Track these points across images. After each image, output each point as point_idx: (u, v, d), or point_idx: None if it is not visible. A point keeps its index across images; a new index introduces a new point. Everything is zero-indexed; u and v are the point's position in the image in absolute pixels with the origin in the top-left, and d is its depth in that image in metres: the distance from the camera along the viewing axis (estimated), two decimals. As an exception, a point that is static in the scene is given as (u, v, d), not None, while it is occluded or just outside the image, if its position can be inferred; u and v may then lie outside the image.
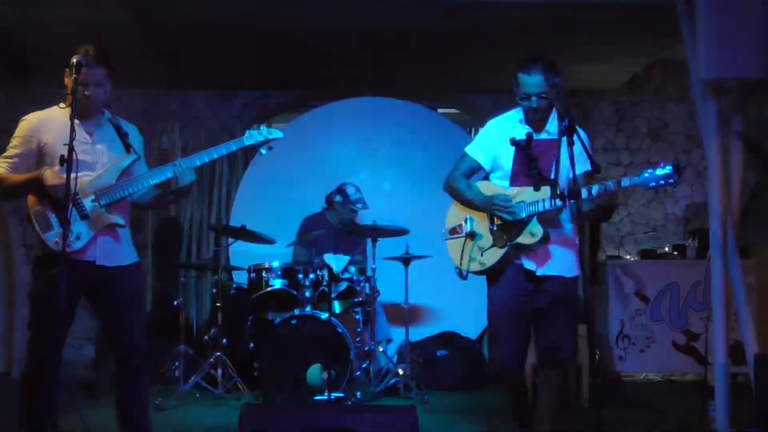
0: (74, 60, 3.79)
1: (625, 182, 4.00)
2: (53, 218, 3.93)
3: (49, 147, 3.99)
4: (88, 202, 3.96)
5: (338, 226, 7.16)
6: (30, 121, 4.07)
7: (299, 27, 6.72)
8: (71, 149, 3.62)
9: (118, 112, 4.28)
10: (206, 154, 4.17)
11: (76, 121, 3.91)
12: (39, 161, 4.01)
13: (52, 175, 3.89)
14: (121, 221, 4.07)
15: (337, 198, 7.20)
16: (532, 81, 4.21)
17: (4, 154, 4.05)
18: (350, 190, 7.20)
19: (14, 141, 4.05)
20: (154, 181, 4.11)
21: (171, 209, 8.19)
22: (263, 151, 4.27)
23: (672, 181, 3.92)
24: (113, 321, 4.14)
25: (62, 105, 4.10)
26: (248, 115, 8.61)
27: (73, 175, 3.73)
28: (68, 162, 3.61)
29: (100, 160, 4.06)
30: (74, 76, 3.79)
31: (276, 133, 4.29)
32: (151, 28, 6.61)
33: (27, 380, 4.02)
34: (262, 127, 4.31)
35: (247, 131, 4.27)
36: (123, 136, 4.13)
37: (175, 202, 4.36)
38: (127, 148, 4.13)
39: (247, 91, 8.64)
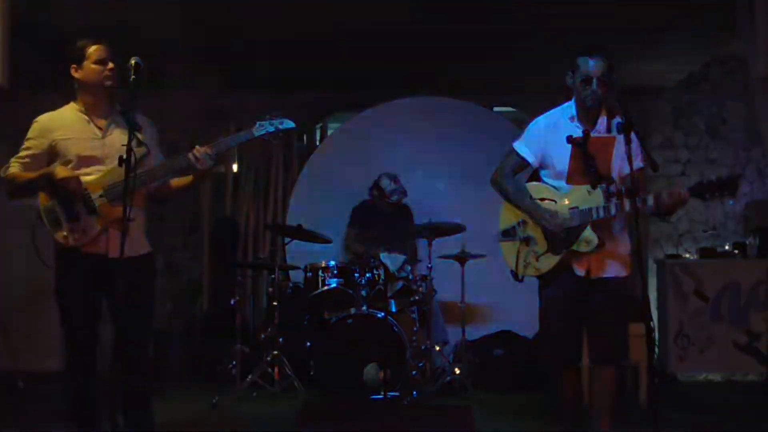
0: (133, 61, 3.82)
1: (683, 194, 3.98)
2: (62, 214, 4.03)
3: (60, 145, 4.08)
4: (96, 197, 4.01)
5: (389, 212, 7.21)
6: (41, 122, 4.16)
7: (354, 28, 6.74)
8: (129, 149, 3.65)
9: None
10: (216, 146, 4.13)
11: (85, 118, 4.11)
12: (50, 160, 4.09)
13: (62, 170, 3.99)
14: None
15: (375, 192, 7.26)
16: (594, 62, 4.14)
17: (17, 155, 4.14)
18: (384, 183, 7.24)
19: (27, 142, 4.14)
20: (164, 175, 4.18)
21: (227, 208, 8.27)
22: (273, 141, 4.28)
23: (727, 194, 3.92)
24: (120, 315, 4.09)
25: (75, 105, 4.19)
26: (303, 115, 8.64)
27: (78, 172, 3.97)
28: (126, 162, 3.64)
29: (110, 154, 4.07)
30: (133, 77, 3.78)
31: (287, 123, 4.28)
32: (207, 30, 6.67)
33: (69, 374, 4.11)
34: (273, 119, 4.27)
35: (257, 122, 4.27)
36: (134, 129, 4.14)
37: (190, 186, 4.35)
38: (138, 141, 4.09)
39: (302, 92, 8.68)
